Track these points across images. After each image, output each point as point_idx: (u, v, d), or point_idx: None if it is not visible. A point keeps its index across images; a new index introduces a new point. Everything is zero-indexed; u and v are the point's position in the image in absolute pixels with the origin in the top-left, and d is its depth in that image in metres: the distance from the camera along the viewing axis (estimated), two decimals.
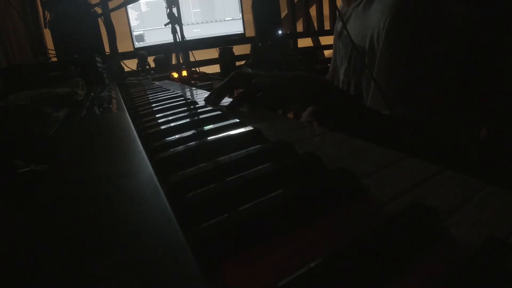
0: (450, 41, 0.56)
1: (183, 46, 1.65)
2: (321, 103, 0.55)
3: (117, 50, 2.01)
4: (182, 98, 0.69)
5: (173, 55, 2.05)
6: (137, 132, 0.38)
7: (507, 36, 0.56)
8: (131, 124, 0.42)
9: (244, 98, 0.54)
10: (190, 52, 1.92)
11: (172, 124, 0.44)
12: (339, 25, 0.82)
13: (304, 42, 2.78)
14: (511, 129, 0.59)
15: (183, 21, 1.83)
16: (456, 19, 0.58)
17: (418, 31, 0.57)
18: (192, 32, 2.16)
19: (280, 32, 2.33)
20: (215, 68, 2.21)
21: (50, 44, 1.71)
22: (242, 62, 2.30)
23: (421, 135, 0.55)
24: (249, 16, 2.38)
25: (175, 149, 0.32)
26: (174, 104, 0.62)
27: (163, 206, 0.19)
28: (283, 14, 2.58)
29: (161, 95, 0.79)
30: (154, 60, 2.06)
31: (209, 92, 0.78)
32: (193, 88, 1.00)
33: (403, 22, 0.57)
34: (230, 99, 0.65)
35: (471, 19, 0.57)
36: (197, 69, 1.98)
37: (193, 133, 0.38)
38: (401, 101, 0.57)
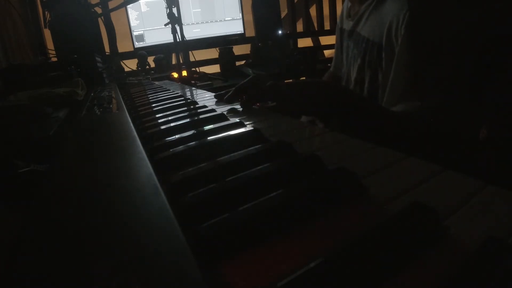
0: (461, 37, 0.57)
1: (183, 46, 1.65)
2: (340, 110, 0.56)
3: (117, 50, 2.01)
4: (182, 98, 0.69)
5: (173, 55, 2.05)
6: (137, 132, 0.38)
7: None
8: (131, 124, 0.42)
9: (254, 98, 0.56)
10: (190, 52, 1.92)
11: (172, 124, 0.44)
12: (347, 24, 0.81)
13: (304, 42, 2.78)
14: (511, 129, 0.58)
15: (183, 21, 1.82)
16: (458, 18, 0.58)
17: (436, 24, 0.57)
18: (192, 32, 2.16)
19: (280, 32, 2.33)
20: (215, 68, 2.21)
21: (50, 44, 1.71)
22: (242, 62, 2.29)
23: (427, 133, 0.55)
24: (249, 16, 2.38)
25: (175, 149, 0.32)
26: (174, 104, 0.62)
27: (163, 206, 0.19)
28: (283, 14, 2.57)
29: (161, 95, 0.79)
30: (154, 60, 2.06)
31: (209, 92, 0.79)
32: (193, 88, 1.00)
33: (423, 15, 0.58)
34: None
35: (466, 19, 0.57)
36: (197, 69, 1.99)
37: (193, 133, 0.38)
38: (418, 96, 0.57)
